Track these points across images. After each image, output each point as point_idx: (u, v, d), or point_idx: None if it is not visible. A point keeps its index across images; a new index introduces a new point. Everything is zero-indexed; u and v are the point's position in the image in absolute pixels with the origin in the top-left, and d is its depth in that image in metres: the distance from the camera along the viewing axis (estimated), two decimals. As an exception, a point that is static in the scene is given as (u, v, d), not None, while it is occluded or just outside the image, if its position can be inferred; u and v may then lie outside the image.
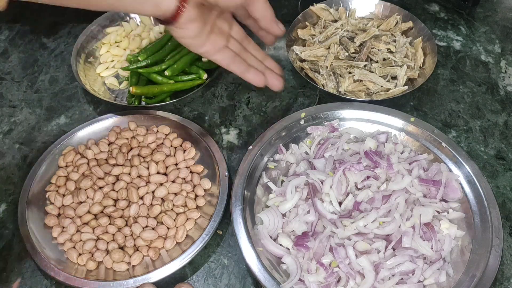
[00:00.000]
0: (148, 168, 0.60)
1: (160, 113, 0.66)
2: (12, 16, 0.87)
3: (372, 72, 0.70)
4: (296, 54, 0.74)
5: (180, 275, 0.54)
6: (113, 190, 0.58)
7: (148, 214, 0.56)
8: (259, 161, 0.60)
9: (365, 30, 0.77)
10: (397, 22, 0.78)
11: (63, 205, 0.57)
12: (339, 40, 0.75)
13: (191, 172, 0.61)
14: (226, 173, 0.59)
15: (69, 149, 0.62)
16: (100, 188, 0.58)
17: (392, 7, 0.79)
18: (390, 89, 0.69)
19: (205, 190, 0.59)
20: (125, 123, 0.66)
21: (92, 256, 0.54)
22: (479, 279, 0.50)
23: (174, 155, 0.62)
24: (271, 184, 0.58)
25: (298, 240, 0.52)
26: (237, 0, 0.48)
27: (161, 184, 0.58)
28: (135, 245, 0.54)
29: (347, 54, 0.73)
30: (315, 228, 0.54)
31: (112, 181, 0.59)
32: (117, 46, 0.77)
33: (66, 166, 0.61)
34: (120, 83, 0.74)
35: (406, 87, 0.69)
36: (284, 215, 0.55)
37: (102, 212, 0.56)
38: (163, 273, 0.51)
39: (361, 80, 0.70)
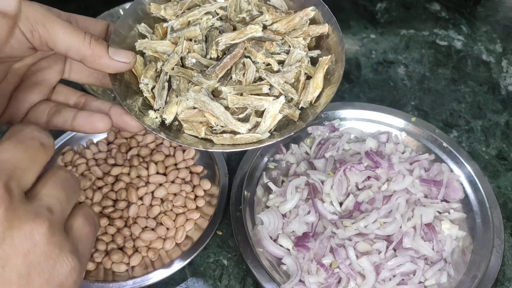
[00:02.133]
0: (147, 168, 0.59)
1: (159, 112, 0.66)
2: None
3: (222, 99, 0.41)
4: (140, 37, 0.45)
5: (180, 276, 0.54)
6: (112, 190, 0.58)
7: (147, 214, 0.56)
8: (259, 161, 0.60)
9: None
10: (305, 22, 0.44)
11: (62, 205, 0.57)
12: (206, 33, 0.44)
13: (190, 172, 0.60)
14: (226, 173, 0.59)
15: (67, 149, 0.62)
16: (99, 188, 0.58)
17: None
18: (238, 133, 0.40)
19: (204, 191, 0.59)
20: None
21: (91, 256, 0.53)
22: (480, 279, 0.50)
23: (174, 155, 0.61)
24: (271, 185, 0.58)
25: (299, 240, 0.52)
26: (15, 45, 0.33)
27: (161, 185, 0.58)
28: (134, 245, 0.54)
29: (193, 61, 0.42)
30: (316, 229, 0.53)
31: (111, 181, 0.58)
32: (117, 45, 0.77)
33: (65, 165, 0.61)
34: (119, 83, 0.73)
35: (267, 135, 0.39)
36: (284, 215, 0.55)
37: (101, 212, 0.56)
38: (162, 274, 0.51)
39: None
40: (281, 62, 0.43)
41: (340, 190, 0.55)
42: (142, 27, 0.44)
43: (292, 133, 0.39)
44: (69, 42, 0.34)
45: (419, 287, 0.50)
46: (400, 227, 0.52)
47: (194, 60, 0.41)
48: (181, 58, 0.42)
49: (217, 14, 0.45)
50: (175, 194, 0.58)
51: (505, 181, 0.62)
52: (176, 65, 0.42)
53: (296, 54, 0.42)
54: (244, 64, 0.41)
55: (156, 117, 0.40)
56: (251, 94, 0.40)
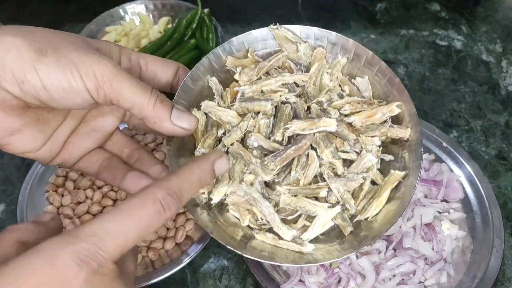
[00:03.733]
0: (147, 168, 0.59)
1: (159, 112, 0.66)
2: (11, 15, 0.87)
3: (275, 196, 0.38)
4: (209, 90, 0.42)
5: (180, 276, 0.54)
6: (112, 190, 0.58)
7: (147, 214, 0.56)
8: None
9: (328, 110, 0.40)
10: (387, 120, 0.40)
11: (62, 205, 0.57)
12: (277, 104, 0.41)
13: (190, 172, 0.60)
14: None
15: (68, 149, 0.62)
16: (99, 188, 0.58)
17: (402, 91, 0.39)
18: (280, 243, 0.37)
19: (204, 190, 0.59)
20: (124, 123, 0.65)
21: (91, 256, 0.53)
22: (480, 279, 0.50)
23: (174, 155, 0.61)
24: None
25: (298, 240, 0.52)
26: (77, 100, 0.31)
27: (161, 184, 0.58)
28: (134, 245, 0.54)
29: (256, 145, 0.39)
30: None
31: (111, 181, 0.58)
32: (117, 45, 0.77)
33: (65, 166, 0.61)
34: (119, 83, 0.73)
35: (311, 247, 0.37)
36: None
37: (101, 212, 0.56)
38: (162, 273, 0.51)
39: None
40: (346, 161, 0.39)
41: (340, 190, 0.55)
42: (213, 82, 0.42)
43: (340, 259, 0.36)
44: (133, 101, 0.32)
45: (419, 287, 0.50)
46: (400, 227, 0.52)
47: (256, 144, 0.38)
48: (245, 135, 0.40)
49: (296, 84, 0.42)
50: (175, 194, 0.58)
51: (505, 181, 0.62)
52: (237, 140, 0.39)
53: (366, 160, 0.38)
54: (307, 156, 0.38)
55: (203, 193, 0.38)
56: (306, 197, 0.38)
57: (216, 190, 0.38)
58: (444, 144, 0.60)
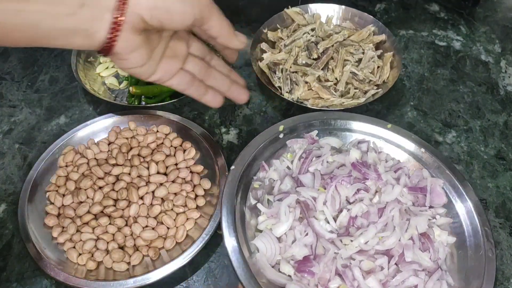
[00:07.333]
0: (148, 168, 0.60)
1: (160, 113, 0.66)
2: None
3: (327, 84, 0.70)
4: (262, 52, 0.74)
5: (180, 275, 0.54)
6: (113, 190, 0.58)
7: (148, 214, 0.56)
8: (243, 181, 0.56)
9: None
10: (369, 34, 0.77)
11: (63, 205, 0.57)
12: (304, 44, 0.74)
13: (191, 172, 0.61)
14: (227, 174, 0.59)
15: (69, 149, 0.62)
16: (100, 188, 0.58)
17: (369, 19, 0.78)
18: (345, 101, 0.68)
19: (205, 190, 0.59)
20: (125, 123, 0.66)
21: (92, 256, 0.54)
22: (480, 283, 0.48)
23: (174, 155, 0.62)
24: (260, 206, 0.54)
25: (300, 265, 0.49)
26: (186, 21, 0.41)
27: (161, 184, 0.58)
28: (135, 245, 0.54)
29: (304, 62, 0.72)
30: (316, 251, 0.50)
31: (112, 181, 0.59)
32: (117, 45, 0.77)
33: (66, 166, 0.61)
34: (120, 83, 0.74)
35: (362, 99, 0.68)
36: (279, 238, 0.52)
37: (102, 212, 0.56)
38: (163, 273, 0.51)
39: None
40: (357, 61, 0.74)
41: (334, 206, 0.53)
42: (263, 45, 0.75)
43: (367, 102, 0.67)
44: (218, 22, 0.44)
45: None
46: (399, 240, 0.50)
47: (304, 61, 0.73)
48: (295, 60, 0.73)
49: (312, 30, 0.78)
50: (175, 194, 0.58)
51: (503, 180, 0.63)
52: (293, 64, 0.72)
53: (369, 54, 0.74)
54: (333, 58, 0.73)
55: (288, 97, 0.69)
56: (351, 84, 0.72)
57: (295, 92, 0.70)
58: (422, 149, 0.59)
